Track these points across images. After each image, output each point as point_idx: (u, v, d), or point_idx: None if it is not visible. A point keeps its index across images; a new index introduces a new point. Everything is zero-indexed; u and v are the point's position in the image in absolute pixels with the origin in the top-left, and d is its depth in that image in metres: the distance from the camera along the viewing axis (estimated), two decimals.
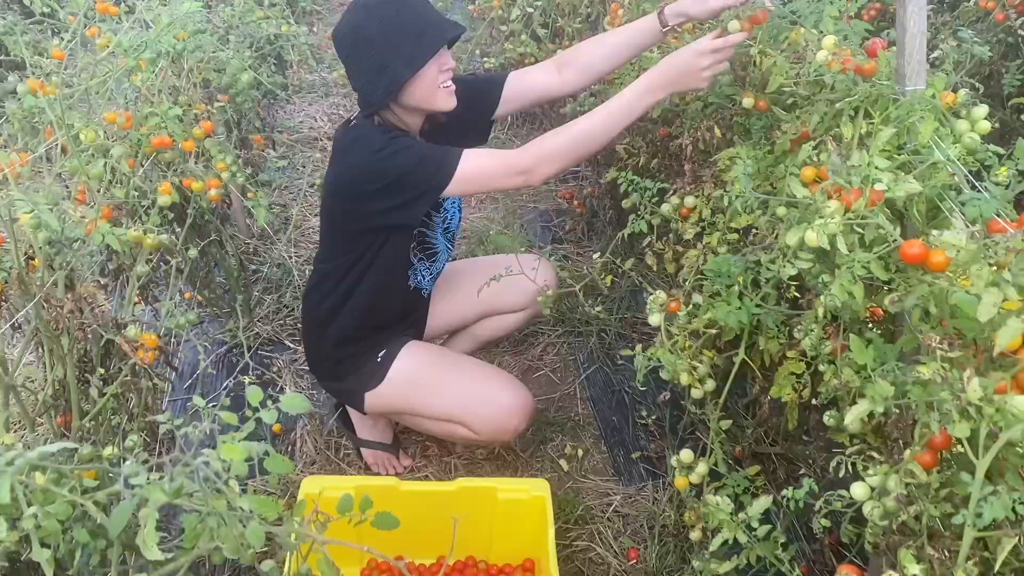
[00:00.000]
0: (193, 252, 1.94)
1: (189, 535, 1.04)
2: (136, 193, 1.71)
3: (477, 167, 1.95)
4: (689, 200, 2.03)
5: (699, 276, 1.90)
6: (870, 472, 1.22)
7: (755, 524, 1.51)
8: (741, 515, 1.52)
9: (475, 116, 2.24)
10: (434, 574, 2.15)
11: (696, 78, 1.83)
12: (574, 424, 2.57)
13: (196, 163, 2.07)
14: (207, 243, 2.29)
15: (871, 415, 1.21)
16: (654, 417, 2.54)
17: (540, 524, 2.04)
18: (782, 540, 1.55)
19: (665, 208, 2.07)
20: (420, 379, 2.21)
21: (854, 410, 1.17)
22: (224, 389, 2.74)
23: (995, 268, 1.03)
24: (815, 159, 1.48)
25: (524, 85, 2.24)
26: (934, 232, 1.12)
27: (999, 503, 0.95)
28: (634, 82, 1.89)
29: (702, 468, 1.81)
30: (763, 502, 1.52)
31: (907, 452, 1.17)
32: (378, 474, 2.43)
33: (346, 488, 2.09)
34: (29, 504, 1.07)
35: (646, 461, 2.43)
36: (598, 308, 2.16)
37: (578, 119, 1.95)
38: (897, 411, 1.17)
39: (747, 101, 1.84)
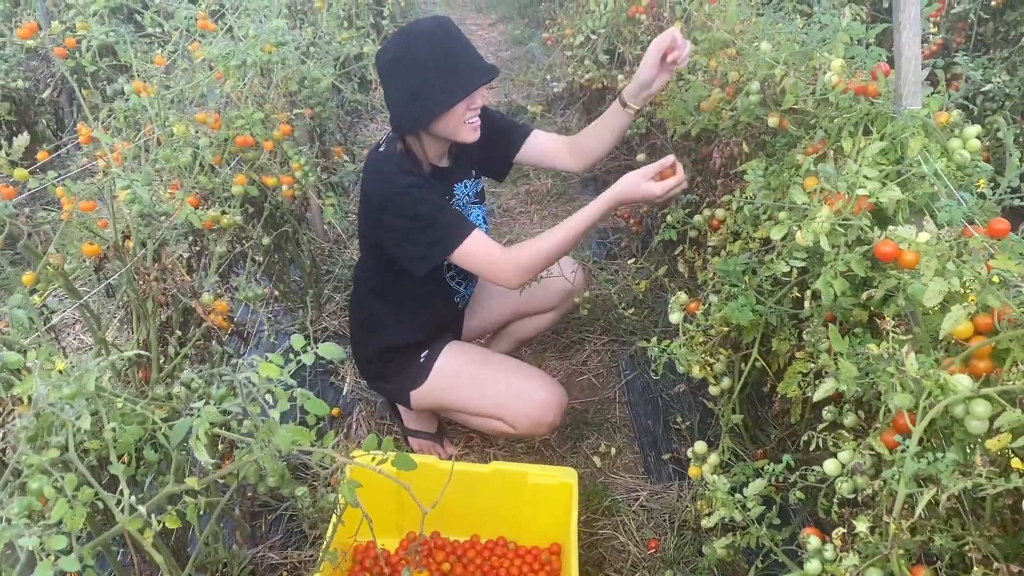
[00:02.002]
0: (267, 240, 2.18)
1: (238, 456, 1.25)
2: (219, 184, 1.95)
3: (474, 252, 2.12)
4: (719, 212, 2.18)
5: (717, 279, 2.04)
6: (842, 449, 1.34)
7: (751, 504, 1.63)
8: (738, 496, 1.65)
9: (498, 152, 2.43)
10: (467, 551, 2.31)
11: (645, 195, 2.01)
12: (610, 425, 2.71)
13: (274, 163, 2.32)
14: (279, 234, 2.52)
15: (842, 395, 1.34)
16: (687, 423, 2.66)
17: (567, 509, 2.18)
18: (775, 521, 1.66)
19: (697, 219, 2.22)
20: (461, 377, 2.39)
21: (821, 387, 1.30)
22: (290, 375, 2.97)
23: (941, 259, 1.16)
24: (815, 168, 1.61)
25: (540, 150, 2.45)
26: (890, 227, 1.25)
27: (923, 463, 1.07)
28: (596, 199, 2.07)
29: (713, 458, 1.93)
30: (759, 484, 1.64)
31: (872, 431, 1.29)
32: None
33: (388, 462, 2.28)
34: (110, 421, 1.29)
35: (676, 462, 2.55)
36: (630, 310, 2.30)
37: (553, 233, 2.11)
38: (859, 390, 1.29)
39: (772, 120, 1.98)
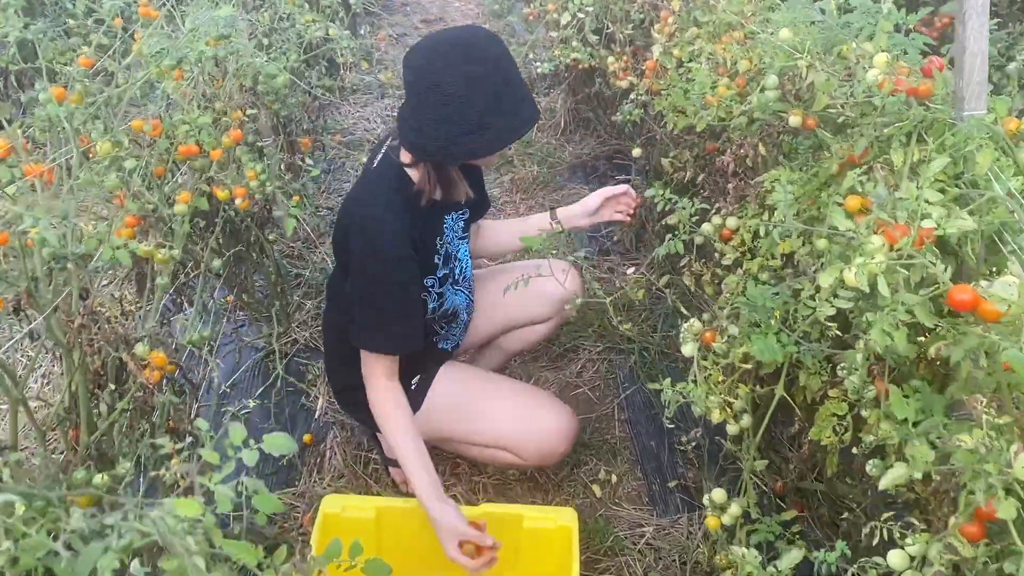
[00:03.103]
0: (217, 264, 1.91)
1: None
2: (155, 205, 1.67)
3: (373, 362, 2.03)
4: (731, 221, 1.92)
5: (736, 304, 1.79)
6: (908, 540, 1.11)
7: None
8: (770, 569, 1.42)
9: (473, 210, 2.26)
10: None
11: (443, 543, 1.88)
12: (610, 447, 2.47)
13: (230, 170, 2.04)
14: (234, 253, 2.25)
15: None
16: (693, 444, 2.43)
17: (566, 555, 1.96)
18: None
19: (706, 228, 1.96)
20: (460, 405, 2.14)
21: (891, 474, 1.06)
22: (256, 396, 2.72)
23: None
24: (861, 186, 1.36)
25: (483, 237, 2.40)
26: (983, 282, 1.00)
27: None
28: (431, 492, 1.93)
29: (735, 509, 1.70)
30: (794, 555, 1.41)
31: (951, 521, 1.06)
32: (407, 493, 2.38)
33: (367, 508, 2.04)
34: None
35: (683, 491, 2.33)
36: (627, 325, 2.06)
37: (405, 431, 2.02)
38: (939, 478, 1.05)
39: (794, 119, 1.72)
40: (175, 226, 1.82)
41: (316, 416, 2.63)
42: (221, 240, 2.56)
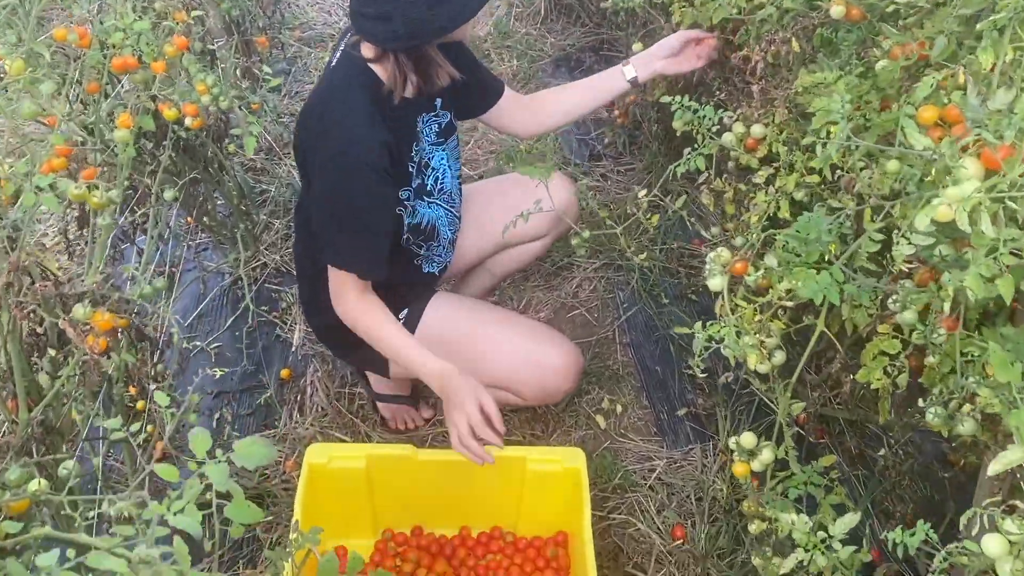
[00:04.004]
0: (170, 194, 1.65)
1: None
2: (98, 123, 1.40)
3: (342, 279, 1.80)
4: (756, 129, 1.69)
5: (768, 226, 1.58)
6: (1010, 523, 0.94)
7: (838, 546, 1.25)
8: (821, 534, 1.26)
9: (468, 104, 2.04)
10: (456, 547, 1.94)
11: (448, 417, 1.69)
12: (612, 374, 2.30)
13: (177, 83, 1.76)
14: (190, 176, 1.99)
15: None
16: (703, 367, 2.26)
17: (574, 495, 1.81)
18: (867, 558, 1.29)
19: (727, 138, 1.73)
20: (454, 342, 1.94)
21: (1002, 458, 0.88)
22: (226, 328, 2.50)
23: None
24: (940, 95, 1.14)
25: (507, 117, 2.11)
26: None
27: None
28: (430, 359, 1.76)
29: (767, 455, 1.53)
30: (849, 520, 1.25)
31: None
32: (396, 429, 2.21)
33: (355, 457, 1.87)
34: None
35: (693, 419, 2.17)
36: (642, 256, 1.84)
37: (384, 322, 1.82)
38: None
39: (837, 9, 1.47)
40: (118, 154, 1.56)
41: (293, 348, 2.42)
42: (174, 160, 2.28)
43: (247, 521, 0.91)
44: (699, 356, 1.40)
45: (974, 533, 0.95)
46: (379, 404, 2.22)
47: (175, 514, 0.75)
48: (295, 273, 2.25)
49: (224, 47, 2.88)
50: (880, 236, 1.16)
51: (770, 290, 1.36)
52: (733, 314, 1.43)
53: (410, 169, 1.86)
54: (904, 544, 1.03)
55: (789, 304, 1.38)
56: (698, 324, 1.40)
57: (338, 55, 1.80)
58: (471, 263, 2.25)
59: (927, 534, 1.03)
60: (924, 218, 0.97)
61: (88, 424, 1.54)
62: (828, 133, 1.48)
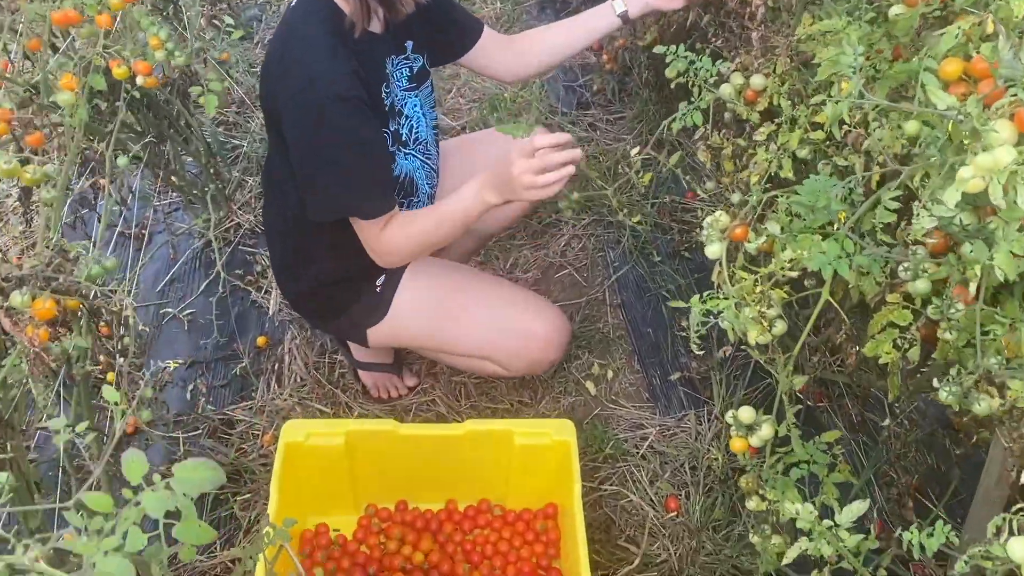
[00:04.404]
0: (123, 161, 1.52)
1: None
2: (29, 91, 1.27)
3: (362, 227, 1.69)
4: (756, 80, 1.57)
5: (769, 187, 1.47)
6: None
7: (844, 534, 1.17)
8: (827, 522, 1.18)
9: (443, 46, 1.91)
10: (442, 521, 1.87)
11: (518, 193, 1.55)
12: (603, 337, 2.21)
13: (128, 38, 1.61)
14: (152, 135, 1.85)
15: None
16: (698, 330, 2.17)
17: (564, 468, 1.73)
18: (873, 545, 1.22)
19: (724, 90, 1.61)
20: (433, 309, 1.84)
21: None
22: (199, 294, 2.39)
23: None
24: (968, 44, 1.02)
25: (487, 58, 1.97)
26: None
27: None
28: (468, 185, 1.65)
29: (766, 431, 1.44)
30: (857, 508, 1.17)
31: None
32: (379, 398, 2.12)
33: (334, 433, 1.78)
34: None
35: (687, 384, 2.09)
36: (635, 219, 1.73)
37: (423, 217, 1.71)
38: None
39: None
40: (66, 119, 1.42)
41: (270, 314, 2.32)
42: (137, 118, 2.14)
43: (198, 543, 0.82)
44: (696, 332, 1.30)
45: (992, 535, 0.87)
46: (360, 372, 2.12)
47: (105, 554, 0.65)
48: (266, 241, 2.13)
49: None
50: (896, 204, 1.05)
51: (772, 258, 1.26)
52: (732, 284, 1.33)
53: (384, 111, 1.74)
54: (919, 542, 0.95)
55: (793, 274, 1.28)
56: (694, 298, 1.29)
57: None
58: None
59: (947, 537, 0.94)
60: (954, 193, 0.86)
61: (46, 410, 1.44)
62: (833, 85, 1.37)
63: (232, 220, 2.58)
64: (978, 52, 1.01)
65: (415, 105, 1.81)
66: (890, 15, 1.23)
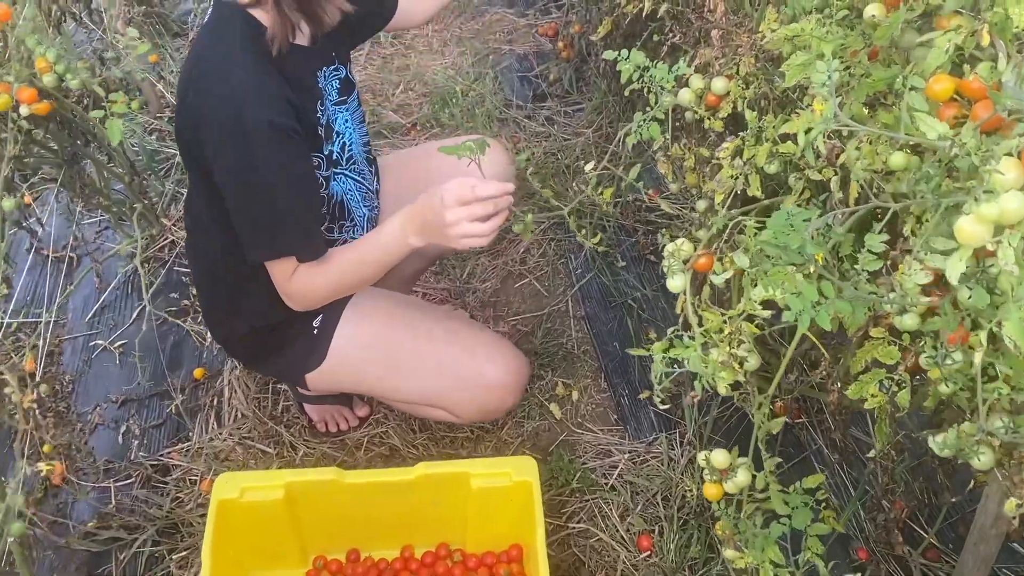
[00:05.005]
0: (9, 204, 1.34)
1: None
2: None
3: (280, 269, 1.50)
4: (718, 84, 1.41)
5: (735, 212, 1.32)
6: None
7: None
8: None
9: (364, 24, 1.74)
10: (398, 571, 1.72)
11: (449, 241, 1.39)
12: (566, 354, 2.06)
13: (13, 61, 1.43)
14: (66, 161, 1.67)
15: None
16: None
17: (527, 510, 1.59)
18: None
19: (684, 96, 1.45)
20: (376, 353, 1.68)
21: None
22: (131, 323, 2.22)
23: None
24: (962, 58, 0.87)
25: (405, 13, 1.81)
26: None
27: None
28: (391, 223, 1.48)
29: (742, 478, 1.31)
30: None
31: None
32: (327, 432, 1.96)
33: (272, 487, 1.62)
34: None
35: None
36: (596, 240, 1.58)
37: (339, 257, 1.52)
38: None
39: None
40: None
41: (208, 342, 2.14)
42: (46, 137, 1.95)
43: None
44: (659, 385, 1.15)
45: None
46: (306, 407, 1.96)
47: None
48: (190, 280, 1.96)
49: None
50: (883, 247, 0.90)
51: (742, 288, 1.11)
52: (699, 325, 1.18)
53: (319, 132, 1.57)
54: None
55: (765, 314, 1.14)
56: (656, 345, 1.14)
57: (211, 10, 1.50)
58: None
59: None
60: (958, 264, 0.71)
61: None
62: (805, 95, 1.22)
63: (166, 237, 2.40)
64: (972, 70, 0.86)
65: (346, 120, 1.64)
66: (865, 15, 1.08)
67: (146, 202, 2.27)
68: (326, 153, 1.59)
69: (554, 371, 2.03)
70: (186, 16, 3.20)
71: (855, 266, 0.92)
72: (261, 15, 1.44)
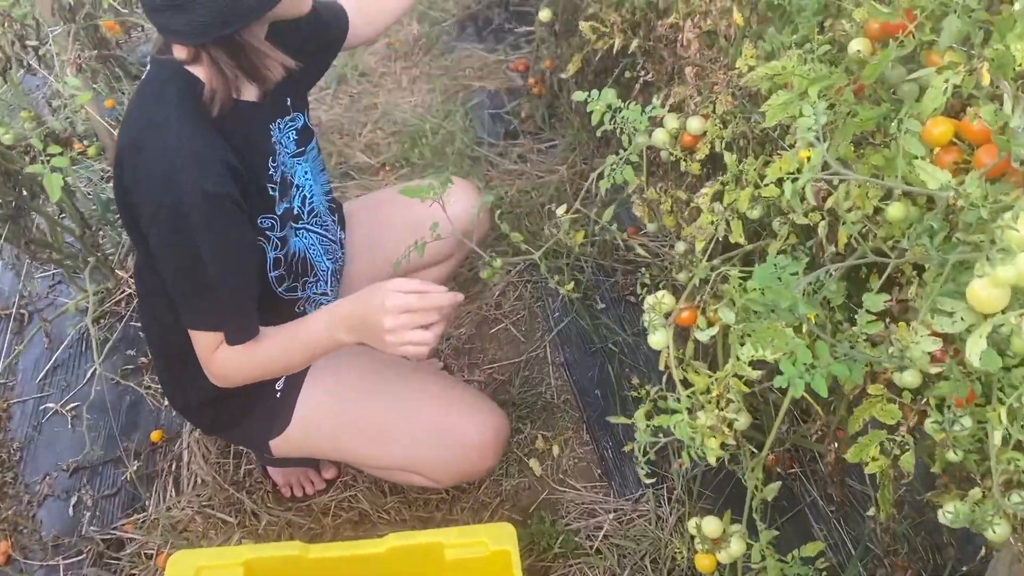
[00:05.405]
0: None
1: None
2: None
3: (204, 341, 1.40)
4: (693, 124, 1.33)
5: (715, 248, 1.23)
6: None
7: None
8: None
9: (318, 57, 1.66)
10: None
11: (383, 346, 1.31)
12: (546, 404, 1.96)
13: None
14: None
15: None
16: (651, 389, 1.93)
17: None
18: None
19: (659, 136, 1.37)
20: (343, 417, 1.57)
21: None
22: (84, 383, 2.09)
23: None
24: (958, 96, 0.79)
25: (353, 38, 1.71)
26: None
27: None
28: (319, 316, 1.42)
29: (736, 547, 1.22)
30: None
31: None
32: (292, 497, 1.84)
33: (231, 564, 1.50)
34: None
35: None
36: (569, 286, 1.49)
37: (266, 343, 1.42)
38: None
39: None
40: None
41: (166, 403, 2.02)
42: None
43: None
44: (643, 457, 1.05)
45: None
46: (270, 470, 1.85)
47: None
48: (146, 343, 1.85)
49: (60, 36, 2.41)
50: (882, 307, 0.81)
51: (733, 362, 1.02)
52: (684, 386, 1.09)
53: (271, 192, 1.47)
54: None
55: (755, 375, 1.04)
56: (639, 413, 1.05)
57: (147, 70, 1.41)
58: None
59: None
60: (979, 341, 0.62)
61: None
62: (786, 131, 1.14)
63: (122, 290, 2.28)
64: (968, 109, 0.78)
65: (305, 172, 1.54)
66: (850, 51, 1.00)
67: (99, 255, 2.16)
68: (282, 210, 1.49)
69: (533, 423, 1.92)
70: (145, 58, 3.10)
71: (851, 322, 0.83)
72: (200, 72, 1.34)
